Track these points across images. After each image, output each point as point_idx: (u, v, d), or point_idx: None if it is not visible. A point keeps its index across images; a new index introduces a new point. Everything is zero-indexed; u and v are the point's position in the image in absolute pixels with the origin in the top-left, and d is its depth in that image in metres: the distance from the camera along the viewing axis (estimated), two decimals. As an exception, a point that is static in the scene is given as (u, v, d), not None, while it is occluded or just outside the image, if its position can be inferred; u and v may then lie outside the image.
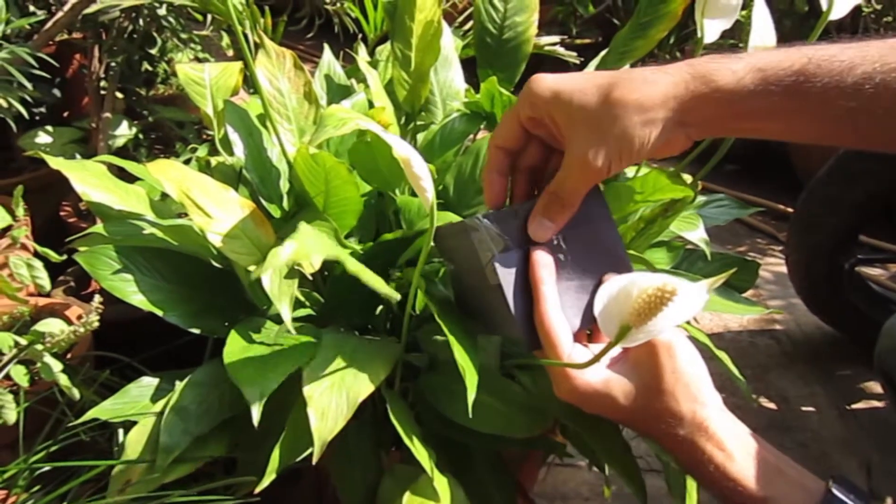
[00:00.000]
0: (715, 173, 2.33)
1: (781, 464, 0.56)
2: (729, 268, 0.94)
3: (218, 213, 0.71)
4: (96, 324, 0.72)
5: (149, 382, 0.76)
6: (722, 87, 0.54)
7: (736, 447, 0.55)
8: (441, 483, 0.67)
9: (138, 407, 0.74)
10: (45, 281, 0.85)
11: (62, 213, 1.36)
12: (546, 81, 0.59)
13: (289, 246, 0.64)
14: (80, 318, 0.74)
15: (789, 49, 0.55)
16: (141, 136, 1.47)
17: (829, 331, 1.65)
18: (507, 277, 0.59)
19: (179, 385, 0.72)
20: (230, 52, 1.67)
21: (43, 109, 1.49)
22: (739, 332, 1.67)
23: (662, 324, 0.46)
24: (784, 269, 1.62)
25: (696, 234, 0.83)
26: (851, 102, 0.51)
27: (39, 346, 0.71)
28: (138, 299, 0.74)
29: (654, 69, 0.56)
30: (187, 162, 1.35)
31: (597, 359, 0.52)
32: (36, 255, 0.93)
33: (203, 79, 0.93)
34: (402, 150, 0.56)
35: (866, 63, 0.51)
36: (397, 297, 0.70)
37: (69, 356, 0.95)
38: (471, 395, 0.60)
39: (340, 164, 0.72)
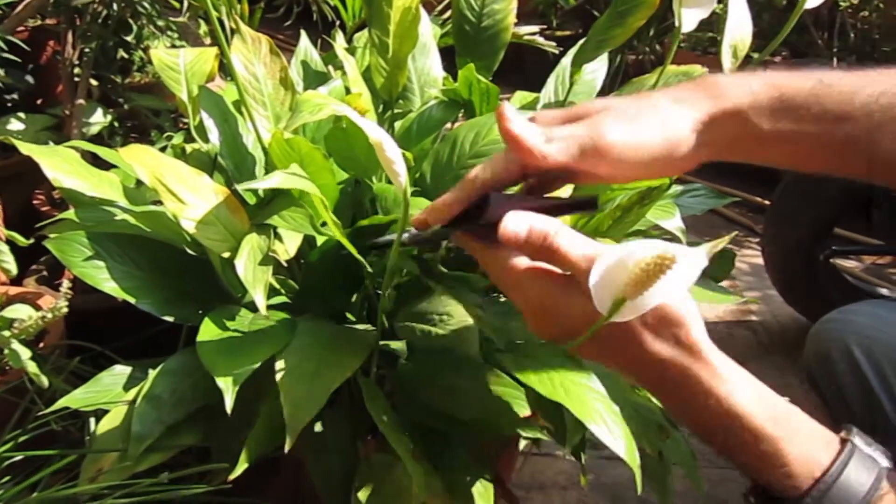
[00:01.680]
0: (693, 166, 2.35)
1: (791, 408, 0.49)
2: (705, 258, 0.95)
3: (192, 198, 0.70)
4: (65, 310, 0.70)
5: (121, 371, 0.76)
6: (738, 105, 0.53)
7: (738, 380, 0.48)
8: (417, 472, 0.67)
9: (110, 395, 0.73)
10: (11, 265, 0.83)
11: (35, 203, 1.34)
12: (612, 146, 0.53)
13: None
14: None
15: (801, 70, 0.55)
16: (116, 124, 1.44)
17: (804, 322, 1.66)
18: None
19: (152, 373, 0.71)
20: (208, 40, 1.65)
21: (15, 96, 1.47)
22: (716, 324, 1.68)
23: (658, 295, 0.43)
24: (761, 260, 1.64)
25: (673, 223, 0.84)
26: (858, 124, 0.52)
27: (7, 333, 0.69)
28: (110, 286, 0.73)
29: (671, 97, 0.55)
30: (163, 150, 1.33)
31: (582, 339, 0.47)
32: (7, 242, 0.91)
33: (178, 64, 0.92)
34: (375, 134, 0.55)
35: (870, 86, 0.52)
36: (368, 268, 0.70)
37: (41, 345, 0.94)
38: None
39: (316, 149, 0.71)
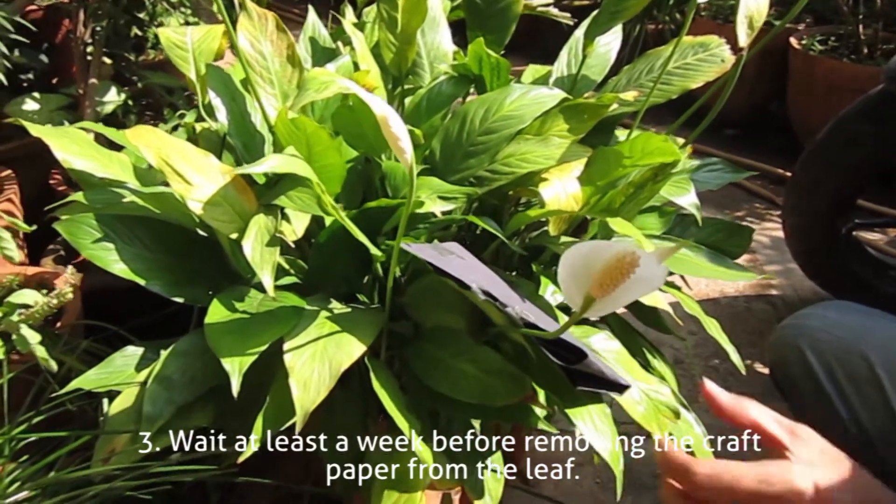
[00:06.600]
0: (714, 137, 2.31)
1: None
2: (721, 233, 0.94)
3: (198, 179, 0.70)
4: (70, 296, 0.71)
5: (133, 352, 0.76)
6: None
7: None
8: (425, 453, 0.66)
9: (123, 376, 0.73)
10: (13, 252, 0.83)
11: (52, 182, 1.34)
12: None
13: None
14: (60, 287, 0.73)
15: None
16: (130, 102, 1.44)
17: (825, 296, 1.64)
18: None
19: (163, 354, 0.71)
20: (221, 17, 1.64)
21: (31, 76, 1.47)
22: (735, 297, 1.66)
23: (626, 295, 0.42)
24: (782, 233, 1.61)
25: (687, 199, 0.82)
26: None
27: (15, 318, 0.70)
28: (120, 268, 0.73)
29: None
30: (175, 128, 1.33)
31: (566, 327, 0.47)
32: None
33: (185, 42, 0.91)
34: (380, 109, 0.54)
35: None
36: (380, 255, 0.69)
37: (58, 325, 0.95)
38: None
39: (322, 129, 0.70)
